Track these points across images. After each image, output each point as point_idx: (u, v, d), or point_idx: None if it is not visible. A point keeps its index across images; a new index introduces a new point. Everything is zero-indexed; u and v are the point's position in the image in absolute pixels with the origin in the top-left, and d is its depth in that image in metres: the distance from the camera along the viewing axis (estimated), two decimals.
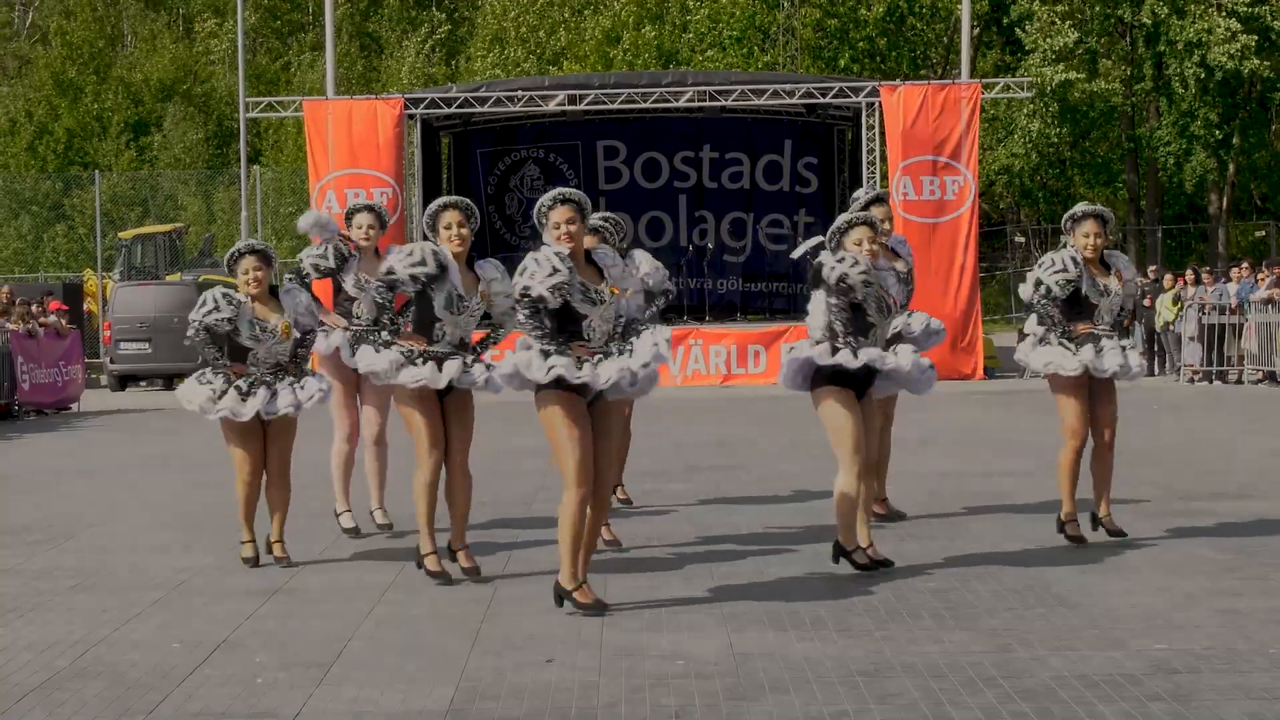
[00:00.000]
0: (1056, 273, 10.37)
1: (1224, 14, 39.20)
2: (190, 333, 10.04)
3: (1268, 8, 39.04)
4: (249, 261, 10.05)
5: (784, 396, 14.36)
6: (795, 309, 32.74)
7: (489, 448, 17.64)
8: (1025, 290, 10.51)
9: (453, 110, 30.27)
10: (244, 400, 9.87)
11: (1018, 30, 42.76)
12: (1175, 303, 29.59)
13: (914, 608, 8.71)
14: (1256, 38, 39.36)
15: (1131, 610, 8.62)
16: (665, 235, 32.04)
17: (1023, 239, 47.69)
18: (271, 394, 9.94)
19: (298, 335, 10.19)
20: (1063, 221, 10.72)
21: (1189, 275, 30.05)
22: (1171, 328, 29.76)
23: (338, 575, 9.98)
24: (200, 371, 10.09)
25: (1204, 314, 28.17)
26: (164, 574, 10.05)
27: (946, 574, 9.72)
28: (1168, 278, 30.70)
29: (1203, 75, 39.76)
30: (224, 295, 9.97)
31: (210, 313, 9.87)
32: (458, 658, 7.70)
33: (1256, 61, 39.91)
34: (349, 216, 11.16)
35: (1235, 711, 6.57)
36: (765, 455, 13.89)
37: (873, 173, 28.48)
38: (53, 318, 26.29)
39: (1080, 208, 10.55)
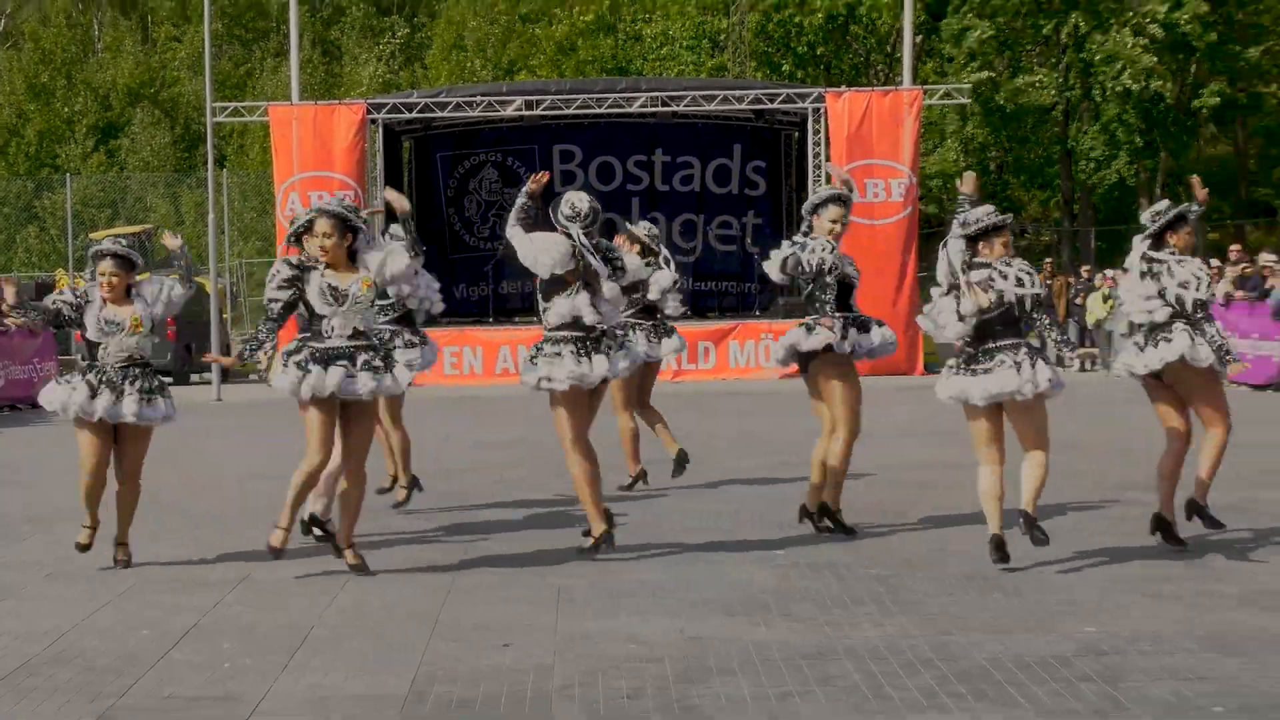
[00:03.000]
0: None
1: (1134, 33, 39.54)
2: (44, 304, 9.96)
3: (1183, 14, 39.25)
4: (106, 264, 9.82)
5: (731, 392, 14.44)
6: (744, 307, 32.86)
7: (450, 441, 17.66)
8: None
9: (413, 115, 30.24)
10: (92, 399, 9.63)
11: (940, 35, 43.16)
12: (1106, 300, 29.74)
13: (856, 595, 8.76)
14: (1163, 57, 39.80)
15: (1063, 596, 8.69)
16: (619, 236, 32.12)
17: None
18: (117, 397, 9.64)
19: (147, 329, 9.81)
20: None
21: (1119, 273, 30.18)
22: (1103, 325, 29.93)
23: (301, 567, 9.96)
24: (63, 375, 9.89)
25: (1134, 312, 28.25)
26: (133, 564, 10.03)
27: (888, 562, 9.78)
28: (1099, 277, 30.86)
29: (1120, 90, 40.14)
30: (84, 290, 9.84)
31: (59, 298, 9.88)
32: (417, 644, 7.71)
33: (1163, 82, 40.39)
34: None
35: (1161, 691, 6.63)
36: (715, 448, 13.92)
37: (819, 177, 28.52)
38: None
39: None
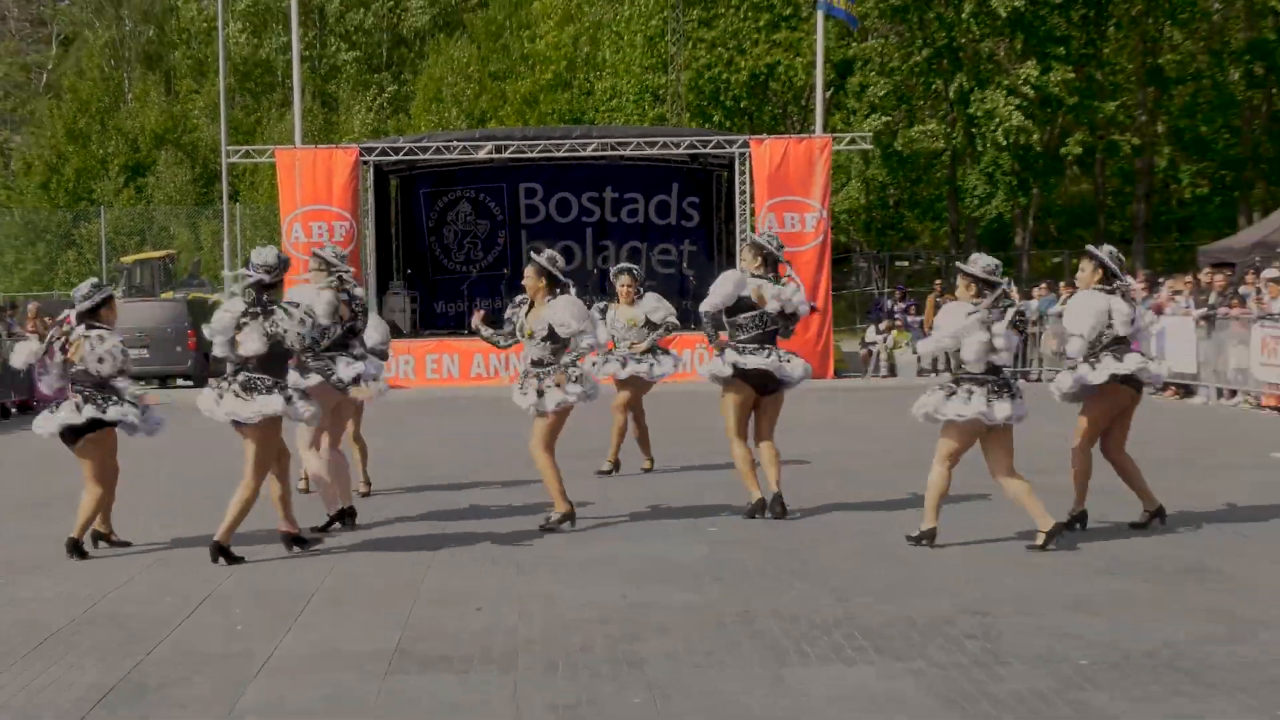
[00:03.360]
0: None
1: (1007, 94, 39.87)
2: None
3: (1052, 76, 39.57)
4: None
5: (669, 393, 14.44)
6: (681, 321, 32.83)
7: (429, 434, 17.61)
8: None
9: (399, 157, 30.10)
10: (69, 413, 9.32)
11: (846, 90, 43.37)
12: None
13: (776, 565, 8.80)
14: (1034, 111, 40.13)
15: (949, 565, 8.75)
16: (575, 261, 31.99)
17: (864, 264, 48.26)
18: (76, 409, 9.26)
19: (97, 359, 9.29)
20: None
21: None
22: None
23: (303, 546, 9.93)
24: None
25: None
26: (160, 540, 9.98)
27: (803, 538, 9.81)
28: None
29: (997, 139, 40.43)
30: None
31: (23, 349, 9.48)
32: (403, 608, 7.71)
33: (1034, 134, 40.68)
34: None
35: (1034, 645, 6.69)
36: (656, 440, 13.92)
37: (744, 210, 28.59)
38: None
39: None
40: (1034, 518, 9.18)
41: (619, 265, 12.55)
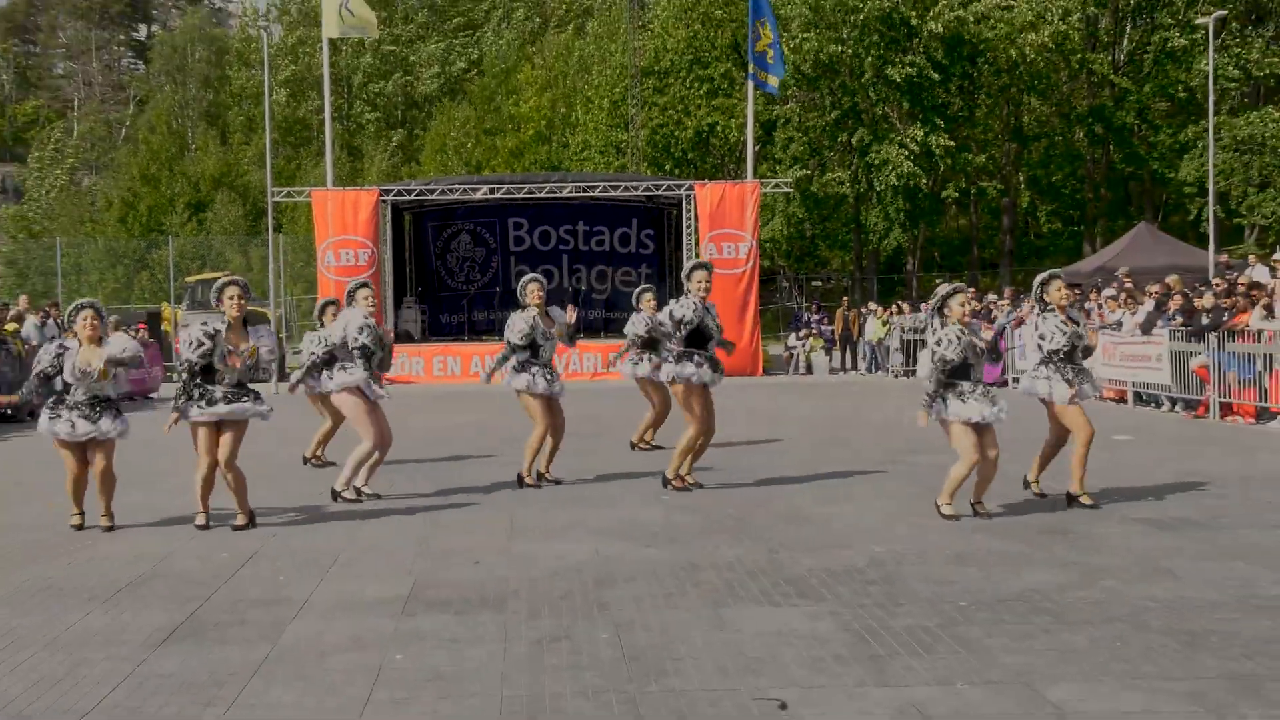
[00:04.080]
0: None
1: (899, 147, 40.07)
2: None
3: (934, 135, 39.86)
4: (86, 313, 8.86)
5: (631, 390, 14.43)
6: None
7: (433, 421, 17.53)
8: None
9: (411, 197, 30.06)
10: (72, 425, 8.76)
11: (771, 143, 43.51)
12: (884, 325, 29.96)
13: (717, 526, 8.78)
14: (921, 166, 40.35)
15: (856, 525, 8.75)
16: (554, 281, 32.02)
17: (786, 284, 48.42)
18: (85, 420, 8.80)
19: (115, 374, 8.93)
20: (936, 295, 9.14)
21: (893, 308, 30.45)
22: (882, 342, 30.14)
23: (330, 513, 9.86)
24: (52, 408, 8.89)
25: (904, 333, 28.56)
26: (215, 509, 9.89)
27: (738, 504, 9.79)
28: (879, 309, 31.09)
29: (891, 184, 40.63)
30: (59, 349, 8.85)
31: (42, 358, 8.87)
32: (413, 562, 7.66)
33: (921, 180, 40.88)
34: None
35: (926, 590, 6.69)
36: (623, 424, 13.91)
37: (690, 240, 28.62)
38: (140, 334, 25.91)
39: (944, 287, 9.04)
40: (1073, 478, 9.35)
41: (529, 275, 11.45)
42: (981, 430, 8.73)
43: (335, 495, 10.13)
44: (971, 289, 31.98)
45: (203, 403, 8.75)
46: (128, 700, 5.05)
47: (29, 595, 6.96)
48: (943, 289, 9.02)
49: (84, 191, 66.54)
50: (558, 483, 10.99)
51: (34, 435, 9.14)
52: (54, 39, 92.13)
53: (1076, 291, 24.61)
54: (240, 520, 8.95)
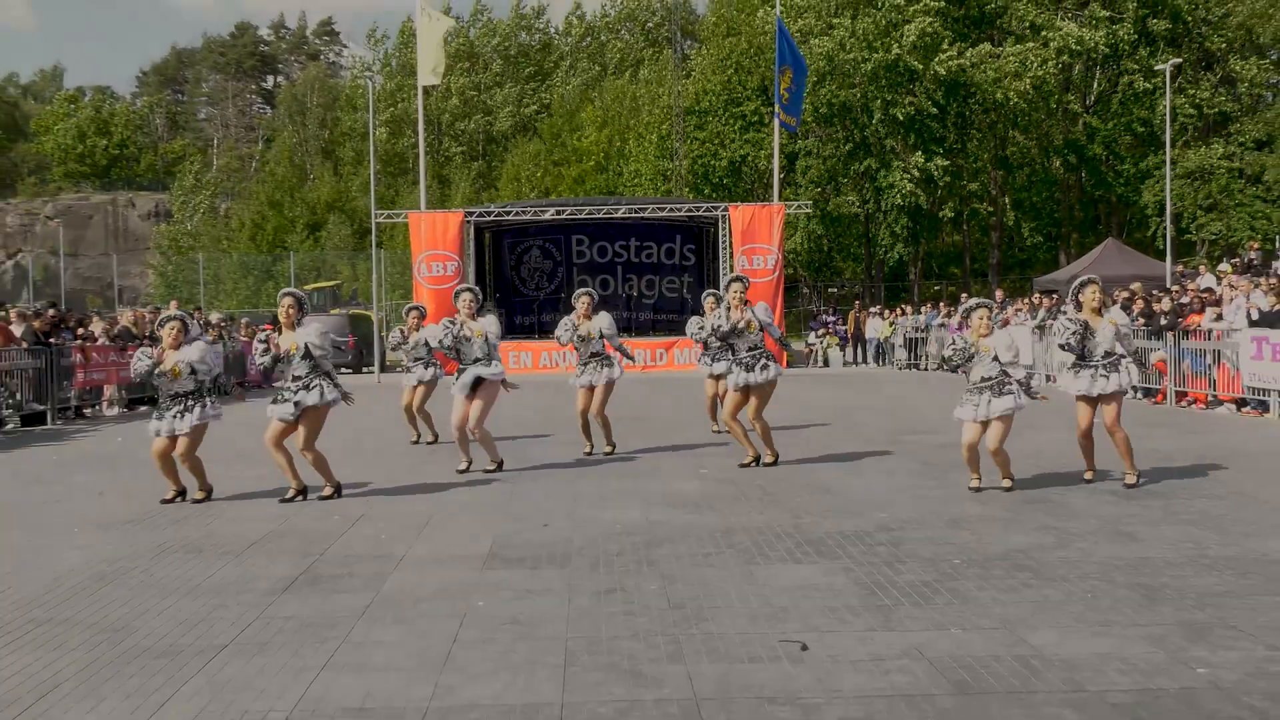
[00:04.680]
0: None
1: (902, 173, 39.71)
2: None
3: (933, 162, 39.50)
4: (170, 326, 8.63)
5: (674, 379, 14.41)
6: (681, 329, 32.77)
7: (509, 406, 17.58)
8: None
9: (491, 218, 30.12)
10: (159, 420, 8.56)
11: (793, 171, 43.23)
12: (890, 325, 29.74)
13: (746, 495, 8.74)
14: (921, 189, 39.96)
15: (866, 494, 8.68)
16: (610, 289, 32.06)
17: (806, 290, 48.10)
18: (171, 416, 8.52)
19: (187, 373, 8.55)
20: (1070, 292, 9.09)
21: (898, 311, 30.22)
22: (888, 339, 29.92)
23: (422, 482, 9.89)
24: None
25: (908, 332, 28.35)
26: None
27: (766, 479, 9.74)
28: (886, 311, 30.84)
29: (895, 205, 40.30)
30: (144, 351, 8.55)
31: (140, 360, 8.49)
32: (493, 524, 7.67)
33: (921, 200, 40.45)
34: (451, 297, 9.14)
35: (927, 551, 6.62)
36: (665, 410, 13.88)
37: (725, 254, 28.51)
38: (268, 332, 26.03)
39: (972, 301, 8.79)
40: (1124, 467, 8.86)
41: (583, 289, 11.27)
42: (1093, 403, 8.76)
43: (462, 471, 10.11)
44: (965, 295, 31.55)
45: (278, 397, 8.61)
46: (257, 637, 5.10)
47: (172, 552, 7.04)
48: (1076, 282, 8.92)
49: (221, 215, 67.32)
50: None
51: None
52: (198, 89, 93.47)
53: (1054, 297, 24.32)
54: (326, 491, 8.81)
